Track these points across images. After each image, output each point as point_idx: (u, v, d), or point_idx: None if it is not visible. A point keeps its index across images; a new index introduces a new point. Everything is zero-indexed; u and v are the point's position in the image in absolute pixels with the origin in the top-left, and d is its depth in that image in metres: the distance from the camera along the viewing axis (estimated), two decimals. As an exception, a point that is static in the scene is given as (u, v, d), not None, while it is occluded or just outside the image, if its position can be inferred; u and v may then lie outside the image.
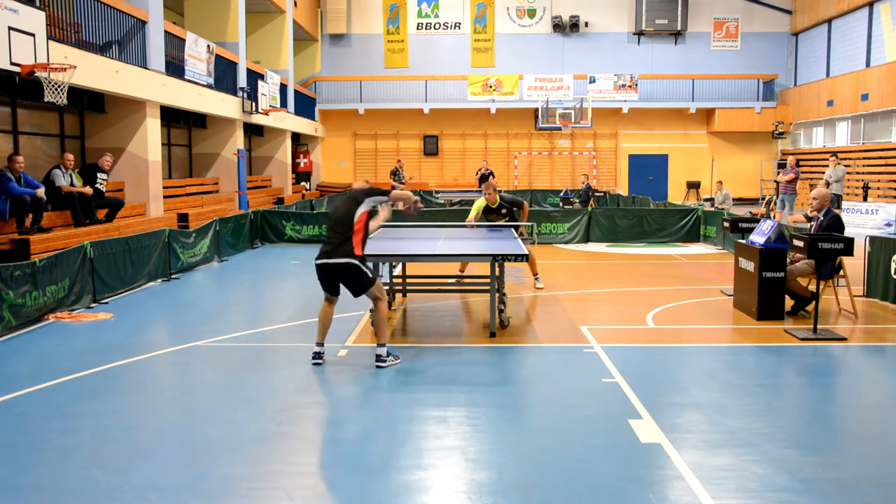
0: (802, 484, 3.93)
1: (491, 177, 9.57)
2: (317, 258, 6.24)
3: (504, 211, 9.89)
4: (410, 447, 4.45)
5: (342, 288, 6.29)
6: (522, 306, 8.85)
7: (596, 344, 6.90)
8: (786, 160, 20.73)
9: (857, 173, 22.13)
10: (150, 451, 4.41)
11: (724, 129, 27.51)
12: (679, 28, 27.57)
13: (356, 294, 6.27)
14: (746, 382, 5.77)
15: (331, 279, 6.23)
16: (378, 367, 6.11)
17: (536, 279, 10.10)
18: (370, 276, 6.21)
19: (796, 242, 7.31)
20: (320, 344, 6.34)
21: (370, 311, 7.74)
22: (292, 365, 6.33)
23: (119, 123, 13.35)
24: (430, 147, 28.40)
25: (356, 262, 6.12)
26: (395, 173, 20.30)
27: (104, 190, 11.85)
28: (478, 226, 9.85)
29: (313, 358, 6.29)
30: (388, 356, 6.19)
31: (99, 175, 11.69)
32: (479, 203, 10.00)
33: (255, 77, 19.28)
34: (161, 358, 6.59)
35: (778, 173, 20.28)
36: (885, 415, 5.15)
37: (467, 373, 6.04)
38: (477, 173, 23.75)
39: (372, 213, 6.47)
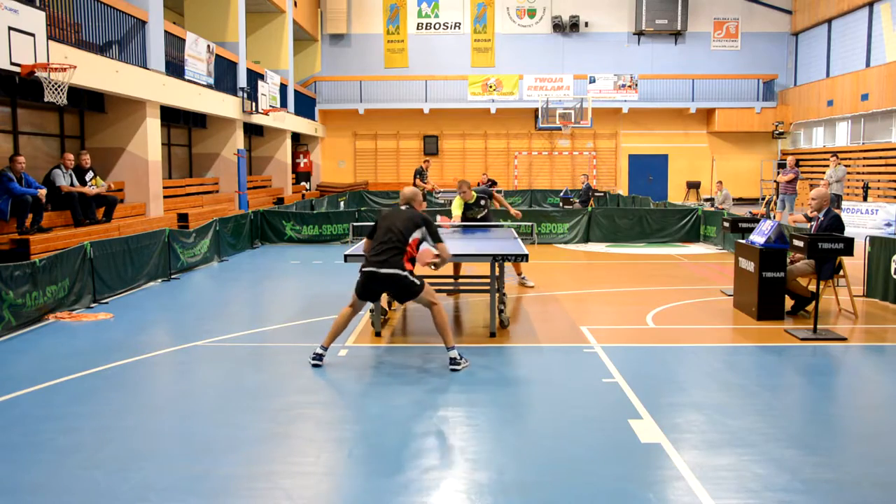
0: (802, 484, 3.93)
1: (465, 184, 10.07)
2: (365, 266, 6.16)
3: (482, 202, 10.18)
4: (410, 447, 4.45)
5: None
6: (522, 306, 8.85)
7: (596, 344, 6.90)
8: (786, 160, 20.73)
9: (858, 173, 22.13)
10: (150, 451, 4.41)
11: (724, 129, 27.51)
12: (679, 28, 27.57)
13: (403, 301, 6.39)
14: (746, 382, 5.77)
15: (375, 288, 6.18)
16: (454, 370, 6.02)
17: (524, 278, 10.19)
18: (419, 283, 6.12)
19: (796, 242, 7.31)
20: (325, 348, 6.27)
21: (370, 311, 7.75)
22: (292, 365, 6.33)
23: (119, 123, 13.35)
24: (430, 147, 28.40)
25: (405, 272, 6.06)
26: (420, 173, 20.22)
27: (96, 188, 11.63)
28: (472, 226, 9.90)
29: (313, 359, 6.23)
30: (460, 358, 6.10)
31: (86, 176, 11.58)
32: (458, 201, 10.21)
33: (255, 77, 19.28)
34: (161, 358, 6.59)
35: (778, 173, 20.28)
36: (885, 415, 5.16)
37: (467, 373, 6.03)
38: (478, 185, 23.76)
39: (420, 241, 6.31)
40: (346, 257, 7.22)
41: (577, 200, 20.63)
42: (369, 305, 7.40)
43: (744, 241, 8.50)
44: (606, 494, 3.82)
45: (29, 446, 4.46)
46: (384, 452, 4.38)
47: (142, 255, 10.22)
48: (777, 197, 18.19)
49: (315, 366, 6.19)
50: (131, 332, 7.62)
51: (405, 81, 27.70)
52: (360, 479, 4.04)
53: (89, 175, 11.58)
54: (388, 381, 5.87)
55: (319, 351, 6.25)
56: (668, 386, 5.68)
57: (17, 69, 9.16)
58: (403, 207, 6.47)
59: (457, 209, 10.19)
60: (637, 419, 4.88)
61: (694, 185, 28.05)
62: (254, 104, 18.60)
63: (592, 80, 27.25)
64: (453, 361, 6.08)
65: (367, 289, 6.19)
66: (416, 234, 6.21)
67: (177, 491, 3.87)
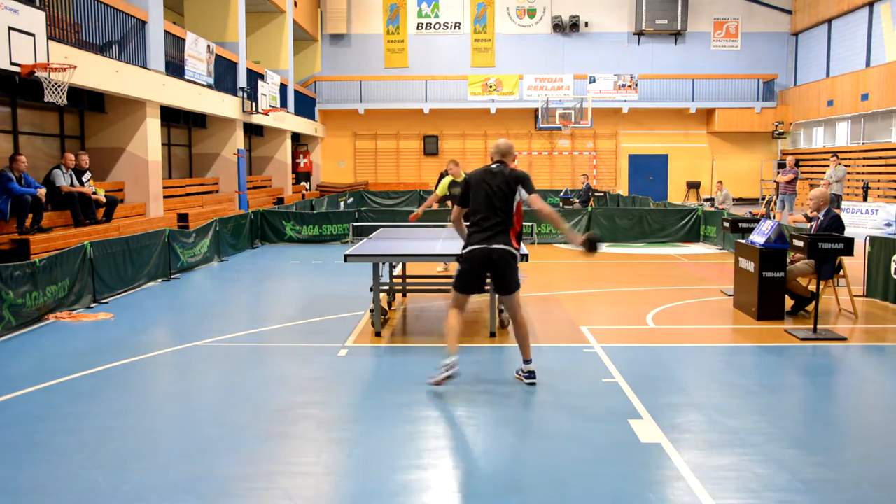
0: (802, 484, 3.93)
1: (453, 162, 10.78)
2: (468, 245, 5.42)
3: None
4: (410, 447, 4.45)
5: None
6: (523, 306, 8.82)
7: (596, 344, 6.90)
8: (785, 160, 20.73)
9: (858, 173, 22.13)
10: (150, 451, 4.41)
11: (724, 129, 27.51)
12: (679, 28, 27.57)
13: (502, 291, 5.57)
14: (746, 382, 5.77)
15: (481, 270, 5.44)
16: (532, 384, 5.61)
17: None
18: (519, 279, 5.61)
19: (796, 242, 7.31)
20: (452, 354, 5.32)
21: (370, 310, 7.75)
22: (292, 365, 6.33)
23: (119, 123, 13.35)
24: (430, 147, 28.40)
25: (515, 252, 5.49)
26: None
27: (94, 189, 11.57)
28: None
29: (448, 372, 5.23)
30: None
31: (84, 177, 11.53)
32: (446, 180, 10.95)
33: (255, 77, 19.27)
34: (161, 358, 6.59)
35: (778, 173, 20.28)
36: (885, 415, 5.15)
37: (467, 373, 6.02)
38: None
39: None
40: (347, 257, 7.22)
41: (577, 200, 20.62)
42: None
43: (744, 241, 8.50)
44: (606, 494, 3.82)
45: (29, 446, 4.46)
46: (384, 452, 4.38)
47: (142, 255, 10.21)
48: (777, 197, 18.19)
49: (449, 378, 5.32)
50: (131, 332, 7.62)
51: (405, 81, 27.70)
52: (360, 479, 4.04)
53: (86, 176, 11.57)
54: (387, 381, 5.86)
55: (449, 361, 5.25)
56: (668, 386, 5.68)
57: (17, 69, 9.15)
58: (495, 166, 5.59)
59: (440, 190, 10.82)
60: (637, 419, 4.88)
61: (694, 185, 28.05)
62: (254, 104, 18.59)
63: (592, 80, 27.25)
64: (531, 375, 5.62)
65: (473, 272, 5.46)
66: (518, 198, 5.48)
67: (177, 491, 3.86)
